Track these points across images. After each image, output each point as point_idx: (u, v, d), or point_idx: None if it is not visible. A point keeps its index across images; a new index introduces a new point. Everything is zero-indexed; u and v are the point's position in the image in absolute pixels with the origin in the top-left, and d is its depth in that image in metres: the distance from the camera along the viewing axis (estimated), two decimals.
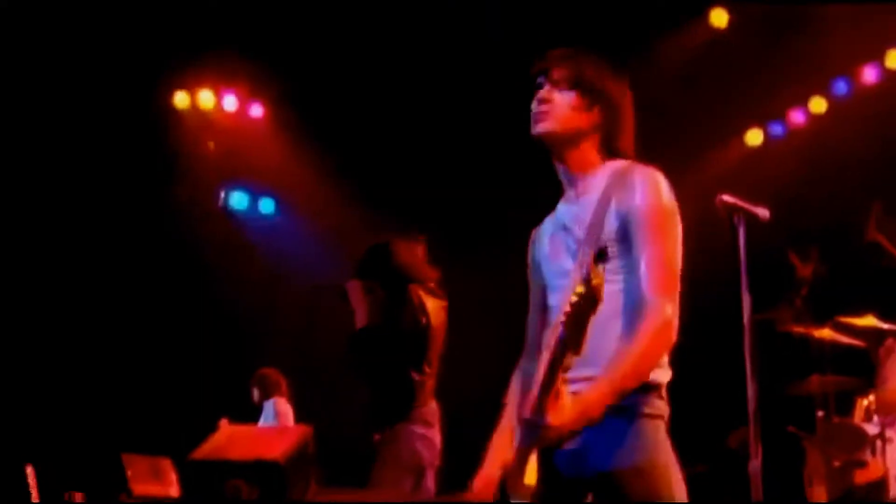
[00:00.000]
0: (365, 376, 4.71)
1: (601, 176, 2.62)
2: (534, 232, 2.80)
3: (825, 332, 6.09)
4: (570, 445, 2.39)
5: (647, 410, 2.48)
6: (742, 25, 8.09)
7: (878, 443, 5.50)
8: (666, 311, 2.43)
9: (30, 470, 6.56)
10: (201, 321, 8.44)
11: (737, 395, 4.11)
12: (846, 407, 6.13)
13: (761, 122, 8.61)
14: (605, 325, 2.34)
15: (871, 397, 5.92)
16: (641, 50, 7.96)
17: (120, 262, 8.30)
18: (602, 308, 2.18)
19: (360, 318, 4.65)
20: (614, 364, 2.39)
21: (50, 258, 8.08)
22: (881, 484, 5.44)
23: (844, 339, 6.12)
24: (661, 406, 2.51)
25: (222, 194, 8.93)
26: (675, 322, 2.45)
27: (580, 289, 2.14)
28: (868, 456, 5.56)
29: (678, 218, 2.55)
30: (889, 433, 5.51)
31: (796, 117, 8.49)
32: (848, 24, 7.54)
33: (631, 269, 2.48)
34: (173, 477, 6.90)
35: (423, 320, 4.57)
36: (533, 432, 2.35)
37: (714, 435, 6.80)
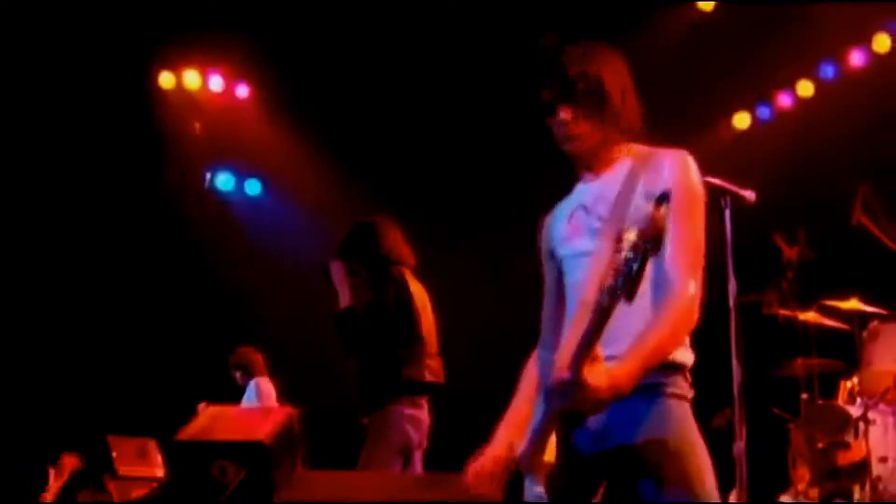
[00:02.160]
0: (352, 355, 4.72)
1: (623, 156, 2.62)
2: (544, 219, 2.77)
3: (810, 315, 6.12)
4: (592, 423, 2.37)
5: (672, 390, 2.47)
6: (729, 9, 8.08)
7: (861, 425, 5.53)
8: (690, 290, 2.43)
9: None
10: (188, 303, 8.42)
11: (722, 377, 4.13)
12: (830, 389, 6.17)
13: (749, 106, 8.62)
14: (632, 303, 2.27)
15: (855, 380, 5.95)
16: (628, 32, 7.92)
17: (106, 244, 8.26)
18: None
19: (344, 299, 4.65)
20: (641, 341, 2.37)
21: (35, 241, 8.04)
22: (864, 465, 5.48)
23: (829, 322, 6.15)
24: (685, 387, 2.51)
25: (208, 175, 8.89)
26: (699, 301, 2.45)
27: (643, 227, 2.09)
28: (851, 437, 5.60)
29: (703, 197, 2.56)
30: (872, 415, 5.54)
31: (784, 100, 8.50)
32: (835, 8, 7.54)
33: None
34: (159, 458, 6.91)
35: (407, 297, 4.58)
36: (565, 393, 2.29)
37: (699, 416, 6.83)
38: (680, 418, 2.47)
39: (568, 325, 2.54)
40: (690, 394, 2.52)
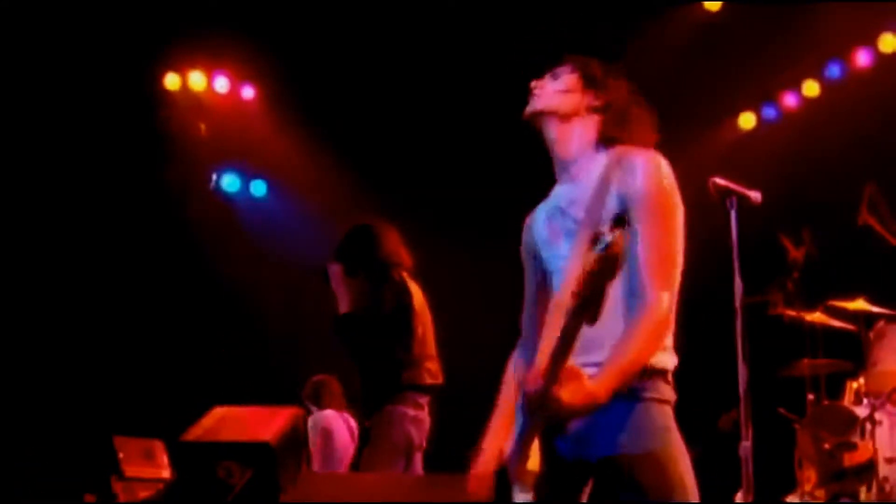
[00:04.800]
0: (352, 359, 4.72)
1: (599, 159, 2.61)
2: (528, 218, 2.78)
3: (816, 316, 6.11)
4: (573, 429, 2.38)
5: (653, 395, 2.47)
6: (735, 9, 8.07)
7: (868, 425, 5.52)
8: (661, 301, 2.42)
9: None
10: (193, 303, 8.42)
11: (728, 377, 4.13)
12: (836, 390, 6.16)
13: (754, 106, 8.60)
14: (610, 309, 2.31)
15: (861, 380, 5.94)
16: (635, 33, 7.94)
17: (111, 245, 8.27)
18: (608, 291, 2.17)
19: (344, 302, 4.65)
20: (615, 352, 2.39)
21: (41, 241, 8.05)
22: (870, 466, 5.47)
23: (835, 323, 6.14)
24: (667, 391, 2.50)
25: (214, 177, 8.90)
26: (671, 310, 2.46)
27: (598, 254, 2.10)
28: (858, 438, 5.59)
29: (678, 200, 2.53)
30: (878, 416, 5.53)
31: (789, 101, 8.48)
32: (841, 8, 7.53)
33: (631, 252, 2.44)
34: (165, 459, 6.90)
35: (406, 300, 4.58)
36: (541, 407, 2.32)
37: (705, 417, 6.82)
38: (660, 422, 2.47)
39: (548, 323, 2.54)
40: (672, 397, 2.52)
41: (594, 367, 2.38)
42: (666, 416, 2.49)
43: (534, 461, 2.40)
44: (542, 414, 2.34)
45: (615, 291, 2.36)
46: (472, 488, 2.61)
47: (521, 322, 2.77)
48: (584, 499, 2.44)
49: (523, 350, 2.72)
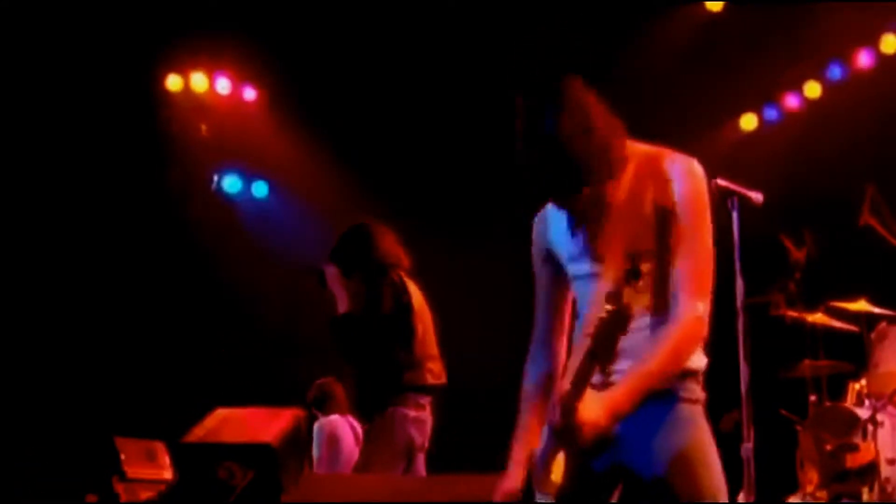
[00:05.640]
0: (351, 361, 4.69)
1: (627, 162, 2.52)
2: (537, 218, 2.70)
3: (818, 317, 6.10)
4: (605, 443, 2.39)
5: (684, 395, 2.47)
6: (737, 9, 8.07)
7: (870, 426, 5.52)
8: (696, 311, 2.41)
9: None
10: (195, 304, 8.42)
11: (730, 378, 4.12)
12: (838, 391, 6.15)
13: (756, 106, 8.60)
14: (641, 318, 2.35)
15: (863, 381, 5.94)
16: (637, 33, 7.94)
17: (113, 246, 8.27)
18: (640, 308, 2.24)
19: (342, 303, 4.62)
20: (643, 362, 2.39)
21: (43, 242, 8.05)
22: (872, 467, 5.46)
23: (837, 324, 6.13)
24: (697, 391, 2.51)
25: (215, 178, 8.91)
26: (706, 320, 2.45)
27: (609, 306, 2.20)
28: (859, 439, 5.58)
29: (711, 207, 2.52)
30: (880, 417, 5.52)
31: (791, 102, 8.48)
32: (843, 9, 7.53)
33: (665, 259, 2.44)
34: (166, 460, 6.91)
35: (405, 299, 4.56)
36: (564, 436, 2.35)
37: (707, 418, 6.81)
38: (692, 422, 2.48)
39: (575, 349, 2.55)
40: (703, 396, 2.53)
41: (618, 374, 2.39)
42: (698, 415, 2.50)
43: (557, 472, 2.41)
44: (569, 442, 2.36)
45: (647, 298, 2.40)
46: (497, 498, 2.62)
47: (534, 325, 2.72)
48: (615, 500, 2.45)
49: (539, 354, 2.70)
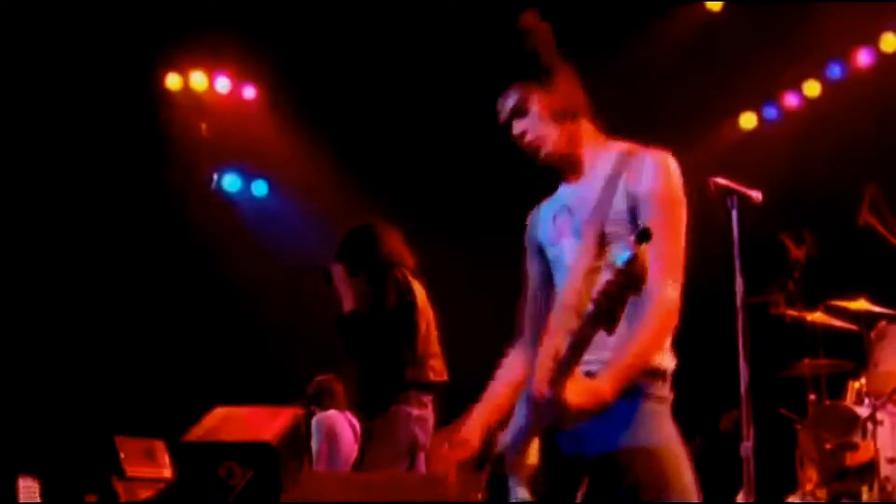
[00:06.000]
0: (356, 359, 4.72)
1: (604, 156, 2.63)
2: (530, 215, 2.79)
3: (817, 316, 6.10)
4: (574, 425, 2.39)
5: (651, 392, 2.49)
6: (737, 9, 8.08)
7: (869, 425, 5.52)
8: (670, 297, 2.44)
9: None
10: (194, 304, 8.43)
11: (729, 377, 4.13)
12: (838, 390, 6.16)
13: (755, 105, 8.60)
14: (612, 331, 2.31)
15: (863, 380, 5.94)
16: (637, 32, 7.94)
17: (112, 245, 8.27)
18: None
19: (348, 303, 4.65)
20: (622, 350, 2.40)
21: (42, 242, 8.05)
22: (872, 466, 5.47)
23: (836, 323, 6.13)
24: (665, 390, 2.52)
25: (215, 177, 8.91)
26: (678, 302, 2.48)
27: (621, 267, 2.12)
28: (859, 438, 5.59)
29: (683, 198, 2.57)
30: (880, 416, 5.53)
31: (790, 100, 8.48)
32: (842, 8, 7.53)
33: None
34: (166, 459, 6.91)
35: (410, 298, 4.59)
36: (547, 412, 2.34)
37: (706, 417, 6.82)
38: (659, 420, 2.49)
39: (556, 326, 2.54)
40: (670, 397, 2.54)
41: (599, 364, 2.39)
42: (664, 415, 2.51)
43: (532, 455, 2.41)
44: (550, 418, 2.35)
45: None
46: (437, 465, 2.66)
47: (518, 316, 2.78)
48: (580, 495, 2.45)
49: (522, 344, 2.74)
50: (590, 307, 2.19)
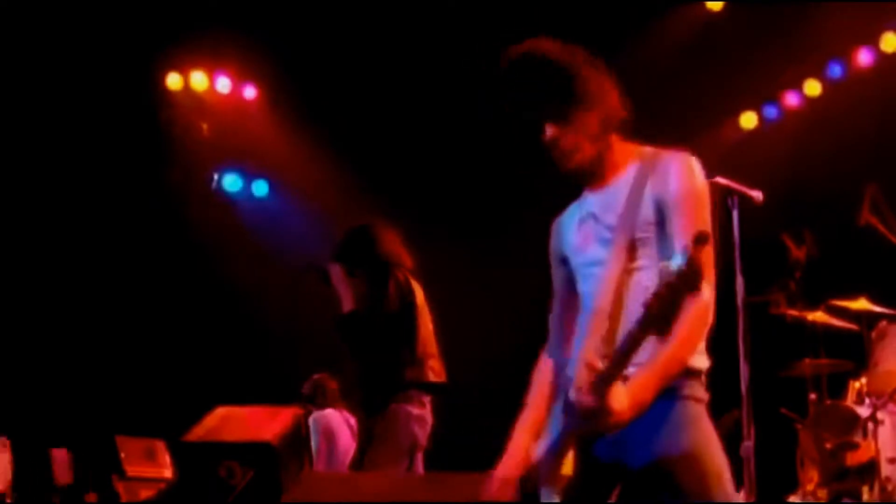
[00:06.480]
0: (356, 358, 4.72)
1: (629, 162, 2.61)
2: (555, 223, 2.77)
3: (818, 315, 6.10)
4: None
5: (689, 393, 2.48)
6: (737, 8, 8.08)
7: (870, 425, 5.52)
8: (703, 297, 2.39)
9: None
10: (195, 304, 8.43)
11: (730, 377, 4.12)
12: (838, 389, 6.15)
13: (756, 105, 8.60)
14: (664, 336, 2.29)
15: (863, 380, 5.94)
16: (637, 32, 7.94)
17: (113, 245, 8.28)
18: (643, 293, 2.19)
19: (347, 302, 4.65)
20: (658, 352, 2.38)
21: (43, 241, 8.06)
22: (872, 466, 5.46)
23: (837, 322, 6.13)
24: (701, 390, 2.52)
25: (215, 177, 8.91)
26: (712, 303, 2.46)
27: (680, 270, 2.09)
28: (860, 438, 5.58)
29: (710, 201, 2.56)
30: (880, 415, 5.52)
31: (791, 100, 8.48)
32: (843, 8, 7.53)
33: (664, 252, 2.47)
34: (167, 459, 6.92)
35: (410, 298, 4.59)
36: (590, 419, 2.32)
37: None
38: (697, 421, 2.49)
39: (582, 333, 2.55)
40: (706, 397, 2.54)
41: (633, 367, 2.37)
42: (703, 415, 2.50)
43: (567, 466, 2.40)
44: (589, 424, 2.33)
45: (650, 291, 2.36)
46: (494, 490, 2.59)
47: (549, 323, 2.76)
48: (613, 500, 2.44)
49: (553, 354, 2.71)
50: (643, 312, 2.16)
